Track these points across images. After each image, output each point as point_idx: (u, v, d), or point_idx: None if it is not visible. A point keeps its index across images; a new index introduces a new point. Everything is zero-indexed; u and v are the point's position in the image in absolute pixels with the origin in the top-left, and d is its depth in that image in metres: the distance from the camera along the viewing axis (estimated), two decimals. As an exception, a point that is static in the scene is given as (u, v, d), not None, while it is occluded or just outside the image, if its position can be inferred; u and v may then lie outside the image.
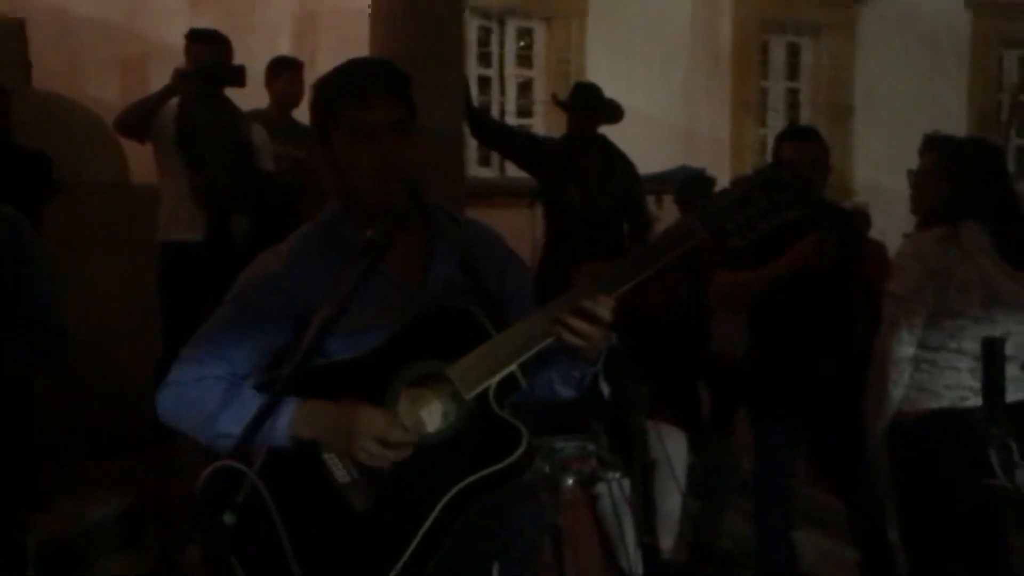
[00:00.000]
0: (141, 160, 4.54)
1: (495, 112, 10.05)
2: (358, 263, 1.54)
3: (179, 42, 5.35)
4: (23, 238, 2.25)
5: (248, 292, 1.74)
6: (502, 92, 9.97)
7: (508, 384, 1.62)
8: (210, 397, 1.60)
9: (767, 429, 3.41)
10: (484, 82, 10.02)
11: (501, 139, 4.66)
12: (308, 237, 1.76)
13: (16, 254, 2.21)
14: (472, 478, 1.56)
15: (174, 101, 4.12)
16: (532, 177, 4.83)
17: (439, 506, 1.53)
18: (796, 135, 3.43)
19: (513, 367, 1.60)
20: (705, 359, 4.12)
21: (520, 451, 1.58)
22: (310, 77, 5.03)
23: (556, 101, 4.99)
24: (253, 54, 7.60)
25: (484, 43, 9.94)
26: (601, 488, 2.88)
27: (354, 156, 1.64)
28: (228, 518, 1.32)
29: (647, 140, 9.55)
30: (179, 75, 4.01)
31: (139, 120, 4.01)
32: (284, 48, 8.29)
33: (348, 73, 1.72)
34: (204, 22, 7.96)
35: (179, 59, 7.21)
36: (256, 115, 4.60)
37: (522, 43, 10.00)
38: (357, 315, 1.59)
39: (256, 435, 1.50)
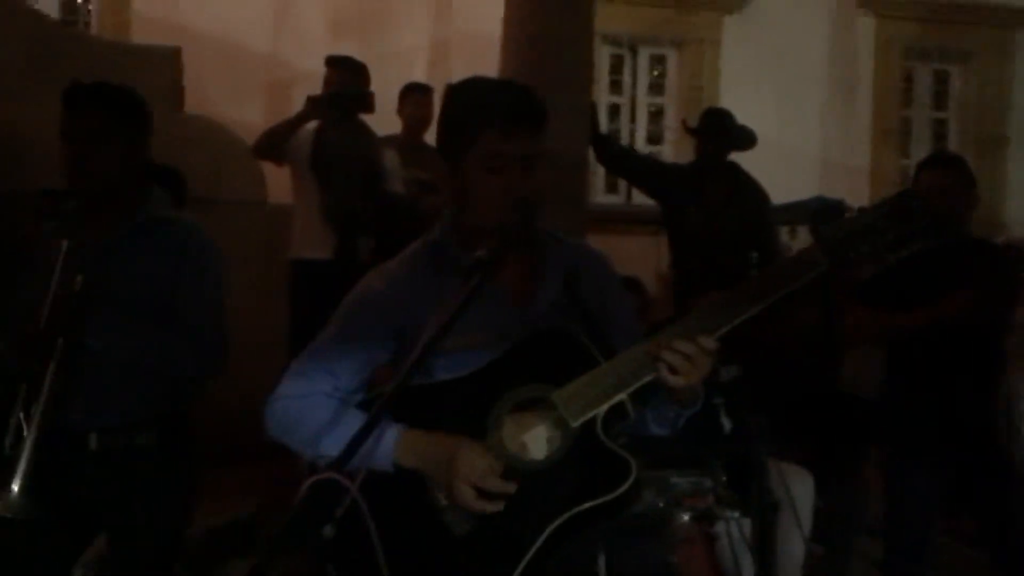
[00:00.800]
0: (279, 181, 4.72)
1: (625, 140, 10.03)
2: (465, 282, 1.52)
3: (321, 68, 5.58)
4: (197, 250, 2.29)
5: (354, 309, 1.74)
6: (632, 119, 9.92)
7: (616, 413, 1.57)
8: (315, 415, 1.61)
9: (904, 471, 3.21)
10: (615, 110, 10.01)
11: (626, 164, 4.61)
12: (416, 256, 1.75)
13: (184, 263, 2.26)
14: (578, 509, 1.51)
15: (313, 125, 4.28)
16: (656, 203, 4.75)
17: (543, 536, 1.49)
18: (937, 163, 3.25)
19: (622, 396, 1.55)
20: (835, 395, 3.93)
21: (628, 483, 1.52)
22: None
23: (686, 127, 4.91)
24: (389, 80, 7.88)
25: (616, 71, 9.94)
26: (720, 527, 2.77)
27: (486, 184, 1.61)
28: (328, 531, 1.32)
29: (781, 169, 9.30)
30: (311, 101, 4.19)
31: (273, 144, 4.21)
32: (419, 74, 8.54)
33: (493, 94, 1.67)
34: (344, 49, 8.32)
35: (319, 84, 7.55)
36: (389, 140, 4.72)
37: (656, 72, 9.95)
38: (463, 335, 1.57)
39: (355, 457, 1.49)
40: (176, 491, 2.21)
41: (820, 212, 5.16)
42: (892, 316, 3.09)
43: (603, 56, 9.78)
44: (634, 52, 9.99)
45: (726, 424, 2.45)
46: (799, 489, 3.43)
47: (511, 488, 1.54)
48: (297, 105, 4.48)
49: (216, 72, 7.51)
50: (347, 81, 4.25)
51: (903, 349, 3.20)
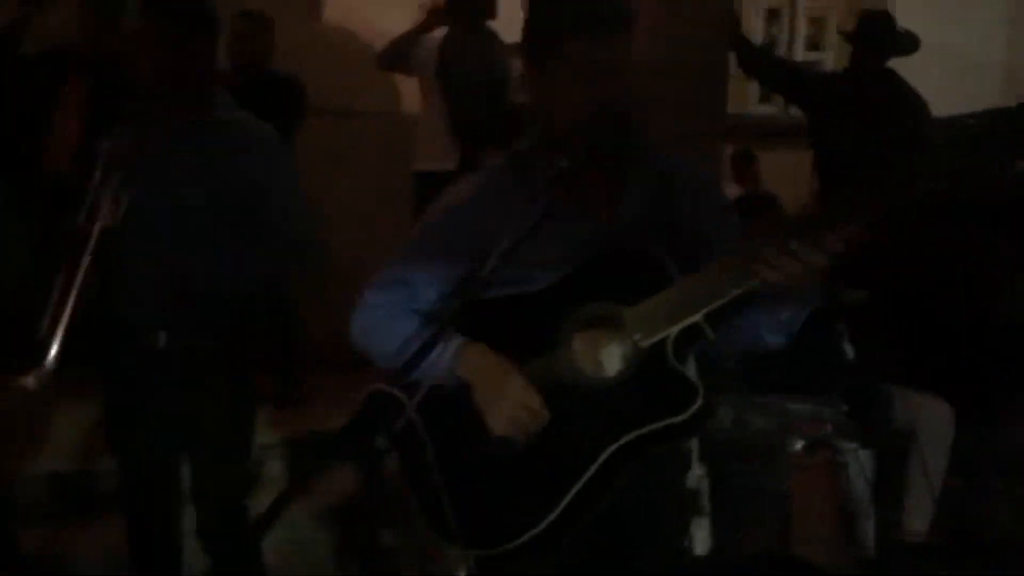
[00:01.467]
0: (412, 90, 4.72)
1: (783, 47, 9.46)
2: (542, 195, 1.47)
3: None
4: (261, 151, 2.31)
5: (433, 220, 1.72)
6: (791, 26, 9.34)
7: (691, 335, 1.48)
8: (391, 326, 1.60)
9: None
10: (773, 14, 9.44)
11: (770, 71, 4.33)
12: (500, 169, 1.69)
13: (265, 172, 2.28)
14: (638, 431, 1.45)
15: (440, 34, 4.22)
16: (803, 114, 4.45)
17: (601, 457, 1.44)
18: None
19: (697, 317, 1.46)
20: (991, 322, 3.62)
21: (694, 409, 1.44)
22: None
23: (840, 32, 4.55)
24: None
25: (776, -26, 9.34)
26: (848, 458, 2.64)
27: (569, 92, 1.52)
28: (381, 443, 1.33)
29: (961, 79, 8.59)
30: (430, 10, 4.11)
31: (397, 54, 4.17)
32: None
33: (577, 2, 1.57)
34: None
35: None
36: (519, 49, 4.59)
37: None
38: (540, 248, 1.52)
39: (420, 366, 1.49)
40: (244, 398, 2.28)
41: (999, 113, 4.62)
42: None
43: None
44: (796, -47, 9.35)
45: (849, 351, 2.31)
46: (933, 421, 3.24)
47: (545, 419, 1.51)
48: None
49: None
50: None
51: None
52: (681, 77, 4.00)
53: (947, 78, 8.51)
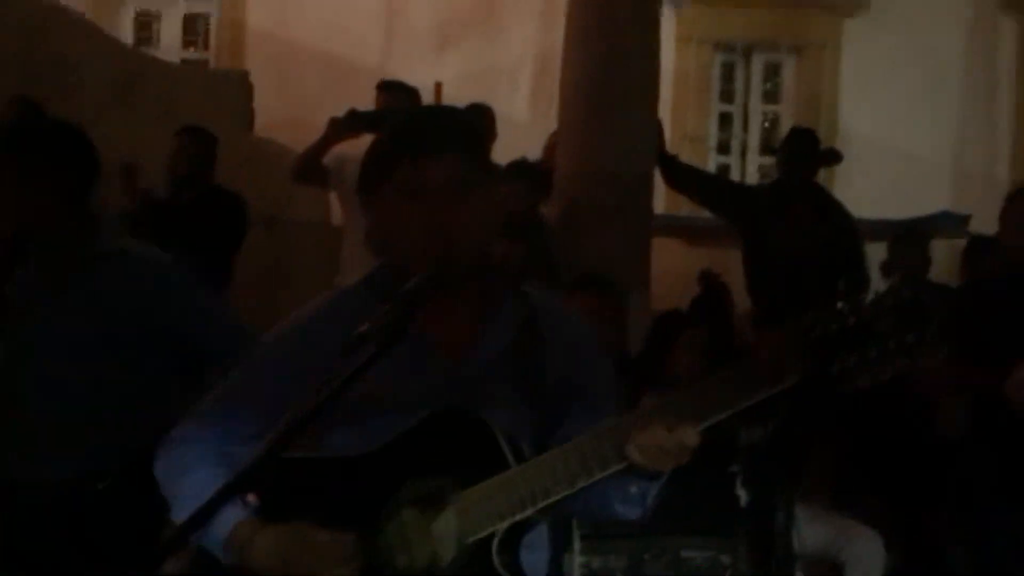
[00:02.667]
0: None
1: (736, 150, 9.62)
2: (350, 359, 1.28)
3: (429, 80, 5.42)
4: (178, 284, 2.21)
5: (262, 348, 1.56)
6: (745, 128, 9.51)
7: (523, 525, 1.35)
8: (189, 472, 1.43)
9: (990, 514, 2.85)
10: (726, 118, 9.63)
11: (696, 184, 4.35)
12: (353, 290, 1.53)
13: (158, 300, 2.17)
14: None
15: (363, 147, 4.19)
16: (732, 226, 4.46)
17: None
18: None
19: (528, 512, 1.32)
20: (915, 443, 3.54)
21: None
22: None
23: (768, 148, 4.59)
24: (498, 91, 7.82)
25: (727, 78, 9.55)
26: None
27: (402, 216, 1.42)
28: None
29: (906, 181, 8.74)
30: (332, 122, 4.06)
31: (307, 168, 4.12)
32: (525, 84, 8.45)
33: (408, 123, 1.53)
34: (451, 60, 8.33)
35: (429, 97, 7.51)
36: None
37: (768, 84, 9.53)
38: (380, 384, 1.37)
39: (204, 536, 1.35)
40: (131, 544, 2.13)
41: (897, 237, 4.62)
42: (972, 372, 2.73)
43: (715, 64, 9.44)
44: (747, 58, 9.60)
45: (743, 495, 2.21)
46: (862, 550, 3.13)
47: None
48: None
49: (325, 87, 7.62)
50: (398, 104, 4.15)
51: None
52: (608, 188, 4.02)
53: (898, 180, 8.70)
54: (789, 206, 4.21)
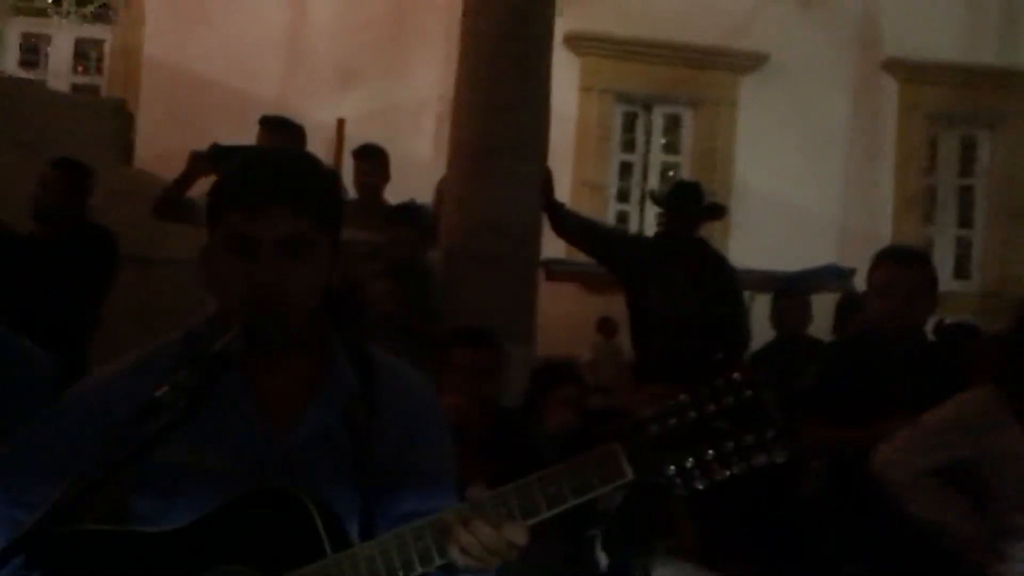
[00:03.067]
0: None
1: (635, 198, 9.78)
2: (141, 424, 1.18)
3: (331, 117, 5.18)
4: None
5: (61, 404, 1.44)
6: (645, 178, 9.69)
7: None
8: None
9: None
10: (626, 168, 9.80)
11: (582, 235, 4.35)
12: (170, 344, 1.42)
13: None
14: None
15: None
16: (616, 278, 4.47)
17: None
18: (897, 258, 2.92)
19: None
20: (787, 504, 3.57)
21: None
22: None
23: (652, 198, 4.64)
24: (400, 131, 7.74)
25: (628, 128, 9.74)
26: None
27: (229, 271, 1.33)
28: None
29: (796, 234, 9.02)
30: (192, 156, 3.83)
31: (169, 206, 3.91)
32: (428, 124, 8.41)
33: (244, 170, 1.41)
34: (354, 99, 8.23)
35: (330, 134, 7.36)
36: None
37: (667, 136, 9.76)
38: (191, 459, 1.29)
39: None
40: None
41: (785, 287, 4.73)
42: (835, 431, 2.76)
43: (616, 114, 9.62)
44: (648, 110, 9.81)
45: (602, 560, 2.16)
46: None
47: None
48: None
49: (222, 119, 7.42)
50: (281, 143, 4.02)
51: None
52: (493, 238, 3.98)
53: (788, 234, 8.96)
54: (671, 260, 4.24)
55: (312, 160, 1.51)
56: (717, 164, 9.64)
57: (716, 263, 4.39)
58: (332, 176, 1.47)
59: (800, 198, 9.44)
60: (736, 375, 1.24)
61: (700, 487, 1.22)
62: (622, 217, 9.68)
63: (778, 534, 3.47)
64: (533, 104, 4.07)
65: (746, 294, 6.89)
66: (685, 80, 9.45)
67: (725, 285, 4.32)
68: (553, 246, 6.00)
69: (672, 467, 1.22)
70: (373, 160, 4.56)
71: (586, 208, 8.68)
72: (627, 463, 1.24)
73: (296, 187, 1.37)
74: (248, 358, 1.30)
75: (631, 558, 2.01)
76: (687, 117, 9.89)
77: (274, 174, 1.39)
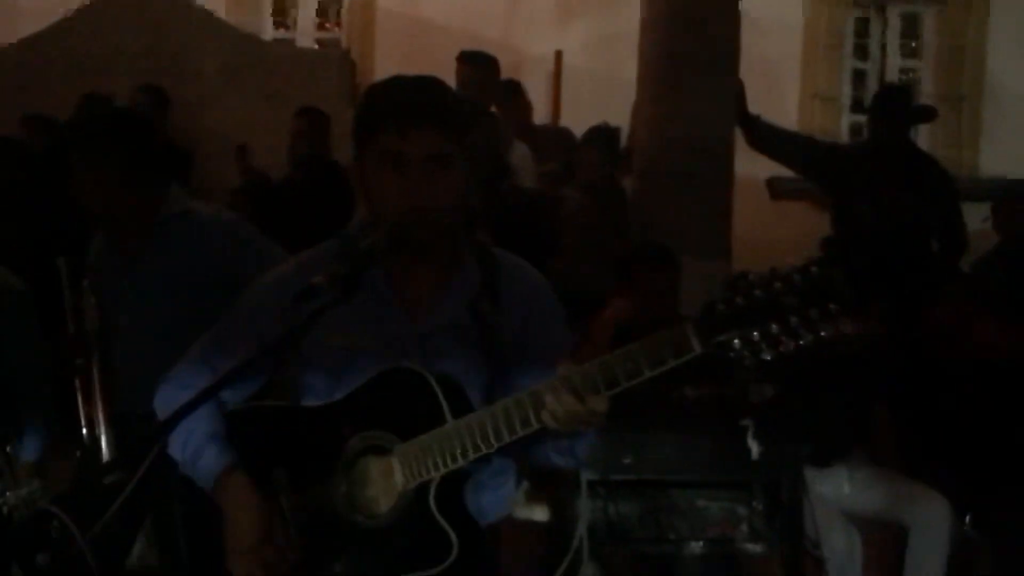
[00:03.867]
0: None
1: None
2: (299, 310, 1.43)
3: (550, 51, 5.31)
4: (235, 239, 2.43)
5: (246, 298, 1.68)
6: (881, 86, 9.07)
7: (459, 476, 1.47)
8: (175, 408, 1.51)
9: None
10: (860, 76, 9.22)
11: (780, 147, 4.25)
12: (327, 248, 1.64)
13: (227, 255, 2.40)
14: None
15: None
16: (820, 189, 4.35)
17: None
18: None
19: (460, 463, 1.45)
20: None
21: (448, 562, 1.44)
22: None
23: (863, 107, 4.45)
24: (620, 59, 7.73)
25: (861, 34, 9.13)
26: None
27: (382, 183, 1.52)
28: (42, 559, 1.35)
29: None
30: None
31: None
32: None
33: (391, 92, 1.58)
34: (572, 32, 8.37)
35: (549, 68, 7.56)
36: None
37: (911, 43, 9.03)
38: (346, 333, 1.52)
39: (191, 468, 1.53)
40: None
41: (1006, 194, 4.35)
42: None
43: (847, 18, 9.05)
44: (882, 10, 9.13)
45: (754, 448, 2.25)
46: (927, 515, 3.06)
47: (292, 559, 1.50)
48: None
49: (451, 61, 7.85)
50: (478, 77, 4.29)
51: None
52: (685, 154, 4.02)
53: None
54: (879, 167, 4.07)
55: (447, 85, 1.69)
56: (966, 65, 8.82)
57: (929, 167, 4.17)
58: (464, 98, 1.65)
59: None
60: (808, 257, 1.31)
61: (768, 358, 1.29)
62: (856, 129, 9.11)
63: (983, 445, 3.35)
64: (721, 17, 4.03)
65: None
66: (925, -26, 8.69)
67: (938, 189, 4.10)
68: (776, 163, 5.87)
69: (737, 340, 1.30)
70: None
71: (817, 121, 8.30)
72: (695, 337, 1.34)
73: (439, 108, 1.55)
74: (391, 256, 1.52)
75: (781, 448, 2.08)
76: (928, 15, 9.09)
77: (420, 97, 1.56)
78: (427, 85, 1.62)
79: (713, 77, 4.00)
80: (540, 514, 2.02)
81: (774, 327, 1.29)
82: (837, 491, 3.01)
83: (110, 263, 2.48)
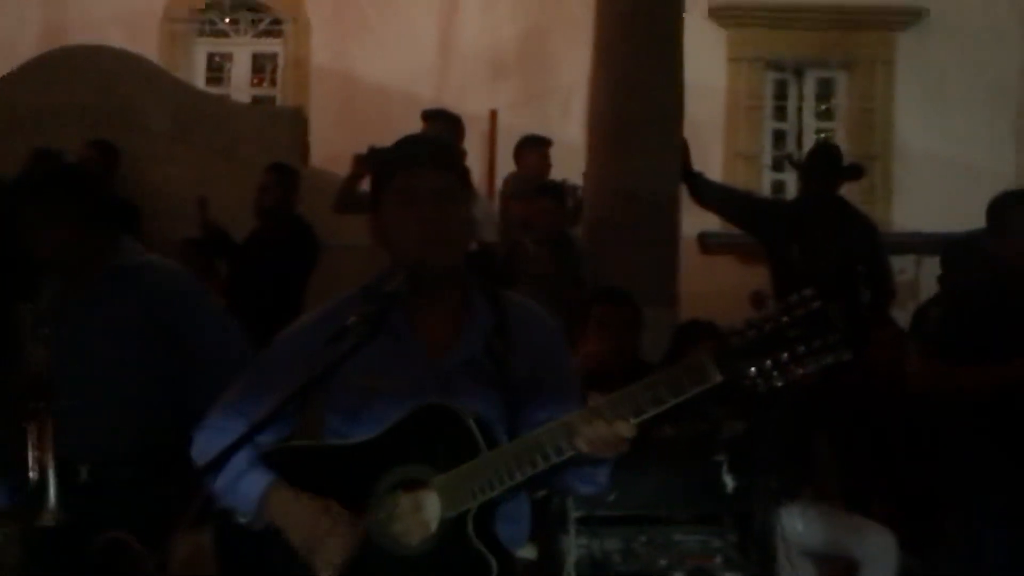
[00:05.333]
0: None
1: (790, 167, 9.62)
2: (339, 344, 1.54)
3: (483, 110, 5.49)
4: (183, 289, 2.52)
5: (273, 347, 1.79)
6: (800, 145, 9.54)
7: (494, 503, 1.58)
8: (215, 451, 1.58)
9: (981, 532, 2.93)
10: (780, 135, 9.68)
11: (721, 201, 4.50)
12: (350, 298, 1.74)
13: (173, 309, 2.48)
14: None
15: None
16: (755, 240, 4.60)
17: None
18: None
19: (496, 492, 1.55)
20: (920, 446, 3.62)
21: None
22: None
23: (790, 161, 4.73)
24: (550, 116, 8.06)
25: (780, 96, 9.62)
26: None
27: (399, 218, 1.67)
28: None
29: (967, 194, 8.64)
30: (355, 159, 4.43)
31: (345, 201, 4.48)
32: (577, 110, 8.67)
33: (401, 145, 1.79)
34: (505, 89, 8.61)
35: (483, 126, 7.75)
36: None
37: (821, 102, 9.55)
38: (372, 374, 1.62)
39: (234, 498, 1.61)
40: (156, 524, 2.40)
41: (951, 247, 4.66)
42: (963, 372, 2.83)
43: (766, 82, 9.52)
44: (800, 75, 9.64)
45: (728, 482, 2.38)
46: (875, 549, 3.23)
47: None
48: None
49: (384, 118, 7.98)
50: (444, 134, 4.45)
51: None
52: (631, 207, 4.21)
53: (955, 195, 8.61)
54: (812, 220, 4.32)
55: (446, 140, 1.86)
56: (876, 126, 9.35)
57: (857, 221, 4.44)
58: (460, 151, 1.87)
59: (968, 156, 9.03)
60: (806, 292, 1.47)
61: (779, 384, 1.44)
62: (778, 187, 9.54)
63: (919, 477, 3.55)
64: (667, 79, 4.26)
65: (912, 257, 6.81)
66: (837, 42, 9.21)
67: (866, 240, 4.37)
68: (707, 220, 6.12)
69: (753, 368, 1.45)
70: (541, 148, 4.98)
71: (741, 179, 8.68)
72: (714, 367, 1.48)
73: (441, 153, 1.74)
74: (410, 298, 1.63)
75: (754, 481, 2.22)
76: (841, 80, 9.63)
77: (424, 145, 1.79)
78: (431, 138, 1.83)
79: (658, 135, 4.22)
80: (528, 552, 2.10)
81: (784, 356, 1.43)
82: (791, 529, 3.16)
83: (60, 310, 2.51)
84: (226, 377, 2.46)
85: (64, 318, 2.47)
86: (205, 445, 1.71)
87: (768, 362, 1.45)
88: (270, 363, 1.78)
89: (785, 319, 1.45)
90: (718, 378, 1.47)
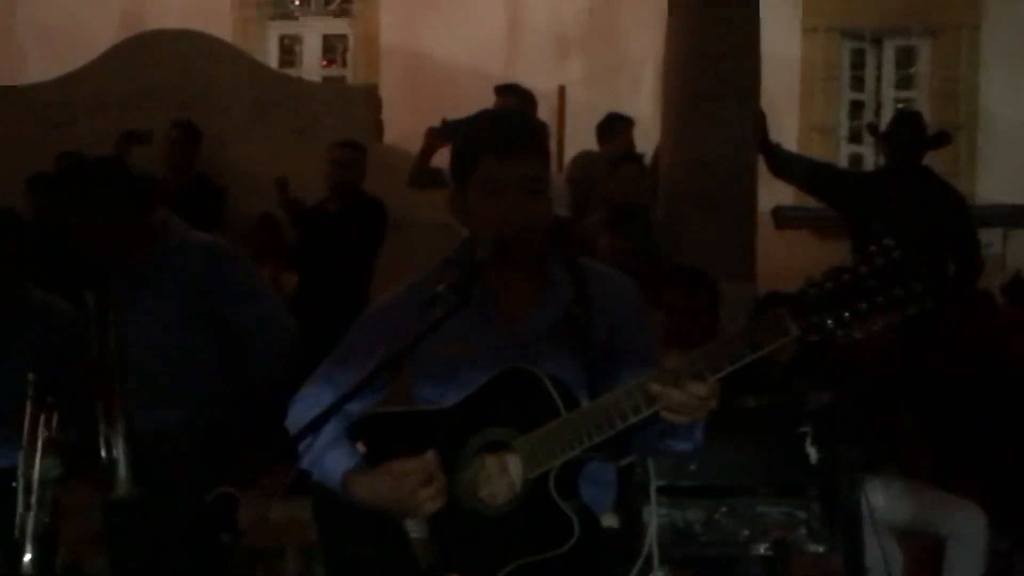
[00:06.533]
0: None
1: (869, 138, 9.35)
2: (426, 315, 1.57)
3: (551, 85, 5.51)
4: (225, 267, 2.60)
5: (363, 319, 1.83)
6: (878, 116, 9.27)
7: (576, 463, 1.59)
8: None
9: None
10: (856, 107, 9.43)
11: (799, 173, 4.40)
12: (434, 270, 1.77)
13: (218, 280, 2.57)
14: (521, 561, 1.57)
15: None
16: (836, 213, 4.49)
17: None
18: None
19: (577, 452, 1.56)
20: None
21: (571, 543, 1.54)
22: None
23: (872, 131, 4.60)
24: (619, 93, 8.01)
25: (857, 66, 9.36)
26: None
27: (485, 206, 1.67)
28: (226, 538, 1.47)
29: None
30: (428, 132, 4.45)
31: (421, 176, 4.52)
32: (647, 85, 8.58)
33: (490, 124, 1.79)
34: (573, 64, 8.57)
35: (552, 102, 7.74)
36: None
37: (901, 71, 9.26)
38: (450, 348, 1.65)
39: (320, 472, 1.66)
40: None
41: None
42: None
43: (843, 52, 9.27)
44: (878, 44, 9.37)
45: (812, 454, 2.35)
46: (965, 526, 3.16)
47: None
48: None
49: (453, 96, 8.01)
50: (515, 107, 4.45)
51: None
52: (708, 180, 4.15)
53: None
54: (895, 191, 4.21)
55: (531, 116, 1.84)
56: (960, 95, 9.05)
57: (943, 192, 4.31)
58: (546, 130, 1.85)
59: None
60: (887, 241, 1.42)
61: (859, 335, 1.40)
62: (855, 159, 9.31)
63: (1010, 454, 3.45)
64: (743, 48, 4.18)
65: (999, 230, 6.59)
66: (918, 8, 8.92)
67: (953, 212, 4.24)
68: (781, 193, 5.99)
69: (830, 321, 1.40)
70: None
71: (816, 152, 8.48)
72: (791, 320, 1.43)
73: (529, 137, 1.72)
74: (492, 270, 1.65)
75: (839, 453, 2.19)
76: (923, 48, 9.31)
77: (513, 129, 1.74)
78: (516, 117, 1.80)
79: (733, 106, 4.15)
80: (609, 520, 2.11)
81: (863, 306, 1.39)
82: (873, 503, 3.11)
83: (120, 295, 2.61)
84: (275, 350, 2.57)
85: (123, 302, 2.57)
86: (297, 415, 1.77)
87: (847, 313, 1.40)
88: (361, 335, 1.82)
89: (864, 269, 1.40)
90: (795, 331, 1.43)
